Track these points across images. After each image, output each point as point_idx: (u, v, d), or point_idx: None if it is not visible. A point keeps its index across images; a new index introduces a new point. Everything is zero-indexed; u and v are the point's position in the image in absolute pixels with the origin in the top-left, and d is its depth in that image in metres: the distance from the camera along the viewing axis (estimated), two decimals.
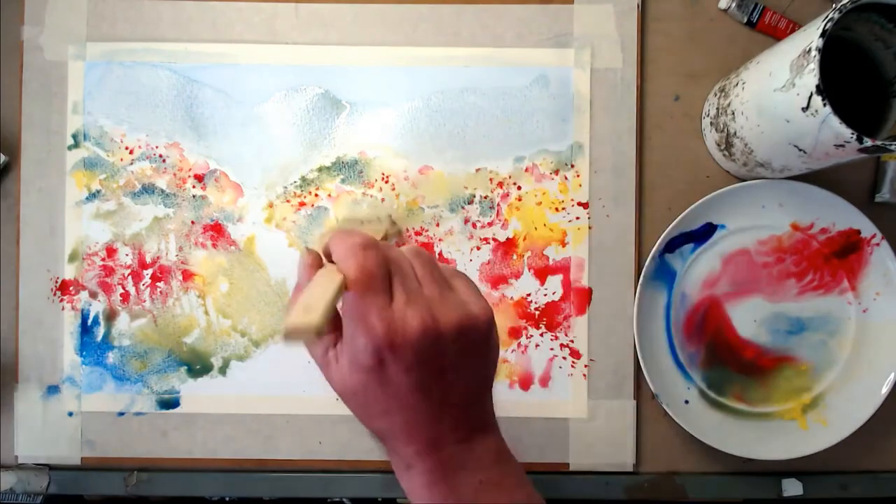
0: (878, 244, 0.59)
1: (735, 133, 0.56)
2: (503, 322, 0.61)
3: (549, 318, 0.61)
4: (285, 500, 0.65)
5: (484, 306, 0.39)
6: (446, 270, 0.41)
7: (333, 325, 0.39)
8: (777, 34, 0.61)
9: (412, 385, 0.37)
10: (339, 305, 0.38)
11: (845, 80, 0.51)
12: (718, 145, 0.60)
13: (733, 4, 0.61)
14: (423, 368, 0.37)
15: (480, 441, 0.40)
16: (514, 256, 0.61)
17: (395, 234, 0.60)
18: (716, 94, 0.60)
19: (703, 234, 0.60)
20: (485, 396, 0.42)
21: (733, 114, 0.56)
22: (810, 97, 0.46)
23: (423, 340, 0.36)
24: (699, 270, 0.60)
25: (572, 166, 0.61)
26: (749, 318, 0.61)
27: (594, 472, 0.61)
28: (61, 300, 0.61)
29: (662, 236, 0.59)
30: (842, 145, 0.46)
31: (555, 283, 0.61)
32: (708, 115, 0.61)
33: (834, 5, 0.46)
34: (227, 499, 0.78)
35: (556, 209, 0.61)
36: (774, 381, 0.61)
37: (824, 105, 0.45)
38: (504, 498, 0.40)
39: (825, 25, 0.45)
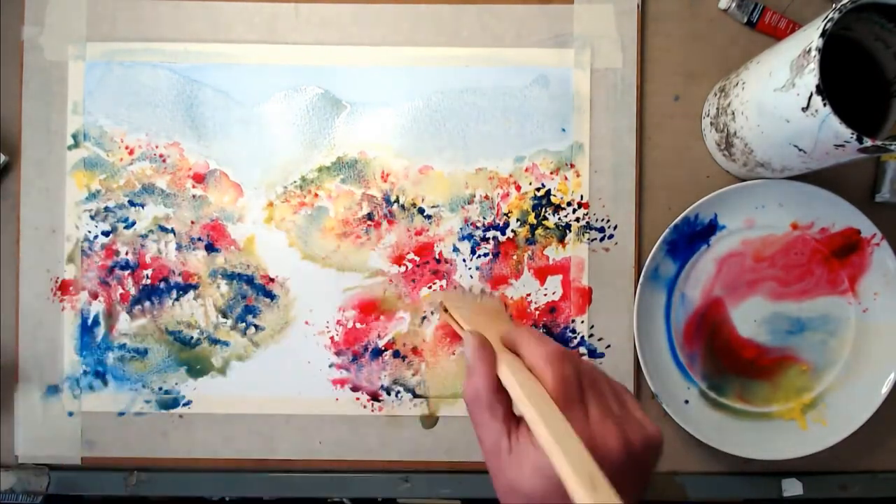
0: (878, 244, 0.59)
1: (735, 133, 0.56)
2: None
3: (549, 318, 0.60)
4: (285, 500, 0.65)
5: (658, 428, 0.38)
6: (616, 384, 0.40)
7: (507, 413, 0.37)
8: (777, 34, 0.61)
9: None
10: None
11: (845, 80, 0.51)
12: (718, 145, 0.59)
13: (733, 4, 0.61)
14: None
15: None
16: (514, 256, 0.61)
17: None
18: (716, 94, 0.59)
19: (703, 234, 0.60)
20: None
21: (733, 114, 0.56)
22: (810, 97, 0.45)
23: (620, 459, 0.34)
24: (699, 270, 0.60)
25: (572, 166, 0.61)
26: (749, 318, 0.60)
27: None
28: (61, 300, 0.60)
29: (662, 236, 0.59)
30: (842, 145, 0.46)
31: (555, 283, 0.60)
32: (708, 115, 0.60)
33: (834, 5, 0.45)
34: (227, 499, 0.77)
35: (556, 209, 0.60)
36: (774, 381, 0.60)
37: (824, 105, 0.45)
38: None
39: (825, 25, 0.45)
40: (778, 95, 0.49)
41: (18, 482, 0.61)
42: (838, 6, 0.45)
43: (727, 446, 0.59)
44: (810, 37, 0.46)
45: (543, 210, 0.61)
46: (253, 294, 0.60)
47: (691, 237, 0.60)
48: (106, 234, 0.60)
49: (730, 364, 0.60)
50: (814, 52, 0.45)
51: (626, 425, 0.36)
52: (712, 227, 0.60)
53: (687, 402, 0.60)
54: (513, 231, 0.61)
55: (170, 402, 0.60)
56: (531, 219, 0.61)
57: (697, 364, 0.60)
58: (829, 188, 0.58)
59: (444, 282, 0.60)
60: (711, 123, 0.59)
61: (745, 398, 0.60)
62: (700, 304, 0.60)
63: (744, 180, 0.61)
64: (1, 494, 0.60)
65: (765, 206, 0.59)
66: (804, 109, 0.46)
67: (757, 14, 0.61)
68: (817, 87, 0.45)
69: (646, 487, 0.39)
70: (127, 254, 0.60)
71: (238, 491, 0.62)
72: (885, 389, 0.59)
